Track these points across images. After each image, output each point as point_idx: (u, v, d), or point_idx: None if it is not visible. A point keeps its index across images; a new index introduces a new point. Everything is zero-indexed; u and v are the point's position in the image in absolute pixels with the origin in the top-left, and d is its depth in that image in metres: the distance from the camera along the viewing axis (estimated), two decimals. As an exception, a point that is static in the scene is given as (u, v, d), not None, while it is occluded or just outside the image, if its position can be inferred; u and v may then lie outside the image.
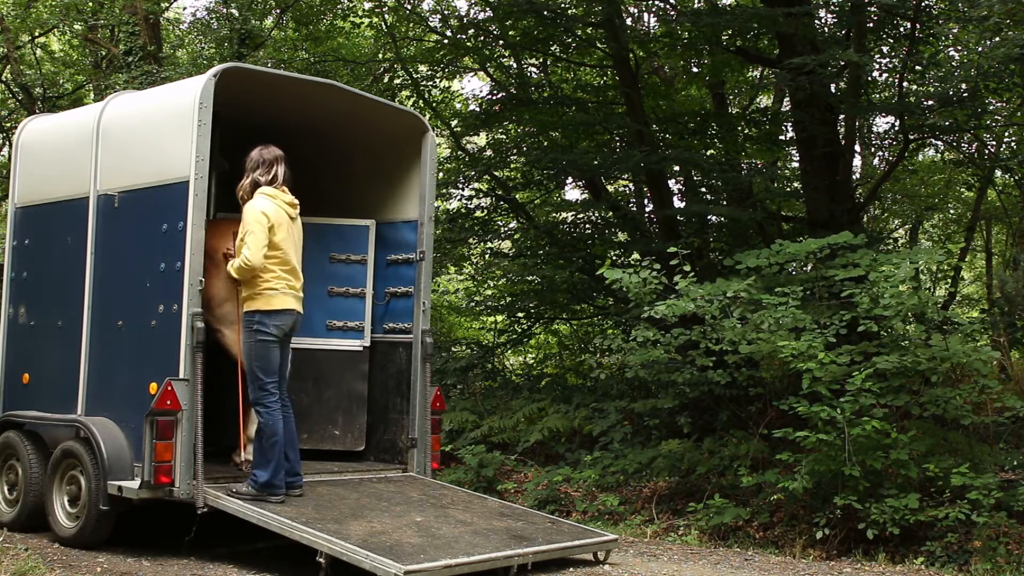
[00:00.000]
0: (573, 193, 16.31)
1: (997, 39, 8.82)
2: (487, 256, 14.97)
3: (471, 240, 14.20)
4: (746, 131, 12.89)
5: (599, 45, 13.05)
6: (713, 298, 8.09)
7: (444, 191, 13.87)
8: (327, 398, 7.70)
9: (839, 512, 7.28)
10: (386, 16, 14.79)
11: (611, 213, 13.59)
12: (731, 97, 15.22)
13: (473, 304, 15.79)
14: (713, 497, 8.21)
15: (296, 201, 6.64)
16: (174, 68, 12.97)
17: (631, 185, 14.57)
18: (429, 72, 15.04)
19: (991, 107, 11.82)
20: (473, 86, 25.10)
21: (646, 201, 13.83)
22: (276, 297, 6.40)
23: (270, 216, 6.38)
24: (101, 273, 6.96)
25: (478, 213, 14.35)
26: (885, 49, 11.95)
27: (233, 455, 7.12)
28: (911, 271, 7.74)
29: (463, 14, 14.59)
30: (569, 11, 12.45)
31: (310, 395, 7.66)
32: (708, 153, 12.75)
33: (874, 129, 14.77)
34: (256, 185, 6.52)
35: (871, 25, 11.17)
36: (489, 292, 15.88)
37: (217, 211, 7.25)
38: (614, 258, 13.24)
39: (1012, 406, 7.81)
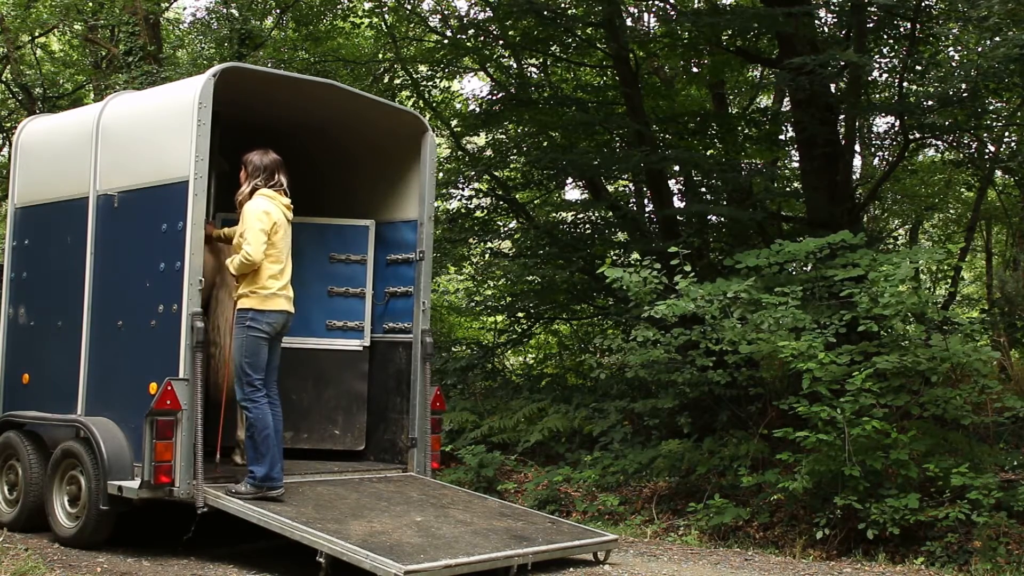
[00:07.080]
0: (573, 193, 16.34)
1: (997, 39, 8.81)
2: (487, 256, 14.97)
3: (471, 240, 14.19)
4: (746, 131, 12.89)
5: (599, 45, 13.05)
6: (713, 298, 8.08)
7: (444, 191, 13.87)
8: (327, 398, 7.70)
9: (839, 512, 7.28)
10: (386, 16, 14.79)
11: (611, 213, 13.59)
12: (731, 97, 15.22)
13: (473, 304, 15.79)
14: (713, 497, 8.21)
15: (291, 205, 6.68)
16: (174, 68, 12.96)
17: (631, 185, 14.56)
18: (429, 72, 15.04)
19: (991, 107, 11.81)
20: (473, 86, 25.18)
21: (646, 201, 13.81)
22: (270, 298, 6.44)
23: (272, 215, 6.45)
24: (101, 273, 6.95)
25: (478, 213, 14.35)
26: (885, 49, 11.94)
27: (233, 455, 7.12)
28: (911, 271, 7.74)
29: (463, 14, 14.60)
30: (569, 11, 12.45)
31: (310, 395, 7.67)
32: (708, 153, 12.75)
33: (874, 129, 14.76)
34: (256, 191, 6.58)
35: (871, 25, 11.16)
36: (489, 292, 15.87)
37: (217, 211, 7.25)
38: (614, 258, 13.25)
39: (1012, 406, 7.81)
